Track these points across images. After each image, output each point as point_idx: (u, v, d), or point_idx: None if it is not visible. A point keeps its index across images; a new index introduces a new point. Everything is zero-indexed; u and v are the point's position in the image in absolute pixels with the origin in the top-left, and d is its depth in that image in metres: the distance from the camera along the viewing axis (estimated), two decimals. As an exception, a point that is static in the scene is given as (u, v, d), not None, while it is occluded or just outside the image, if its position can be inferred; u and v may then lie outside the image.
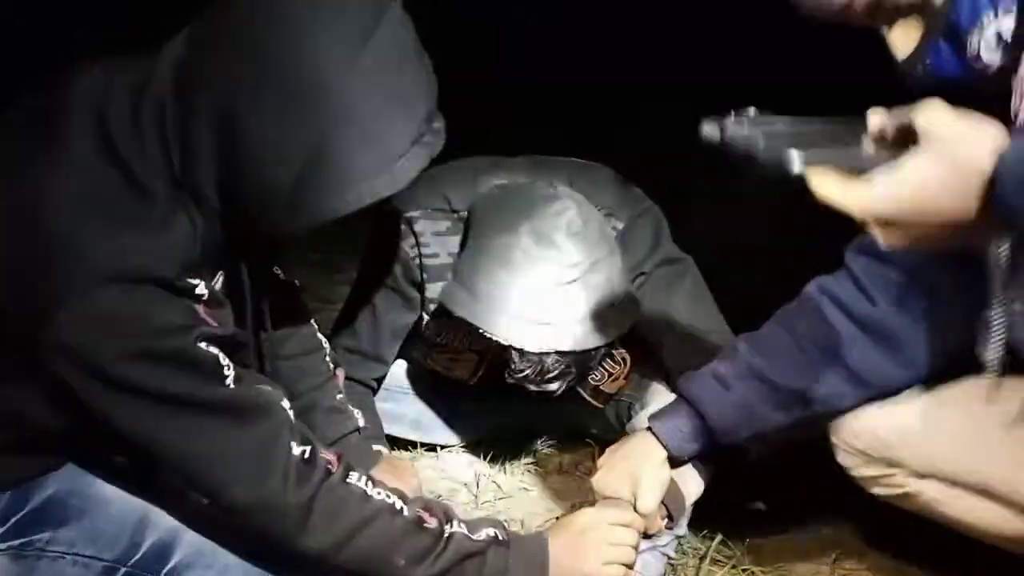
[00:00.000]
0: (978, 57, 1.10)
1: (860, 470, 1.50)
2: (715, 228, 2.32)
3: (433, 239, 1.74)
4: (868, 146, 0.88)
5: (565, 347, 1.60)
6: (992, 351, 1.22)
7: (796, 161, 0.84)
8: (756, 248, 2.42)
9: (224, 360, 1.22)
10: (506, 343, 1.60)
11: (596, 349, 1.65)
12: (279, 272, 1.64)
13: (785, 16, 1.15)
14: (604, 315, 1.62)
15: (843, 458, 1.49)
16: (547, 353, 1.61)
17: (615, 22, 3.82)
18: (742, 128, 0.87)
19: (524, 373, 1.66)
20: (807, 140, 0.87)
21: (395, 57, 1.17)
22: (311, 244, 2.67)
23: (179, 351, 1.18)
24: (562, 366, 1.65)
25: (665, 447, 1.50)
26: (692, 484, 1.56)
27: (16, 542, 1.29)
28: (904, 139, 0.86)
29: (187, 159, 1.17)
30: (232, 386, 1.22)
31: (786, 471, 1.68)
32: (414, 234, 1.75)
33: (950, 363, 1.38)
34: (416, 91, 1.20)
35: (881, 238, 0.90)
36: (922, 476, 1.47)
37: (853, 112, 0.93)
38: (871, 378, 1.42)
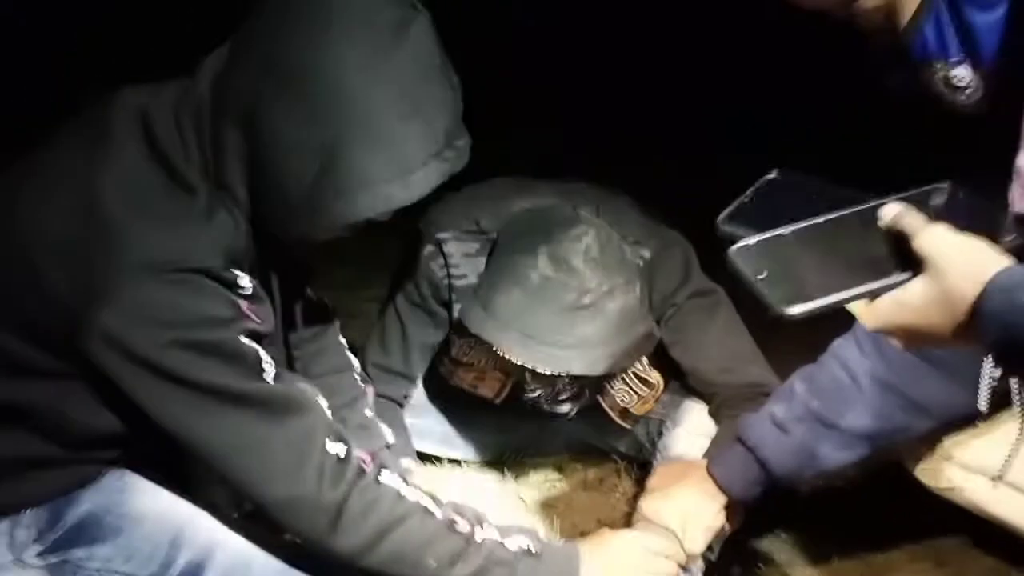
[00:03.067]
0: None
1: (911, 456, 1.51)
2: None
3: (463, 260, 1.75)
4: (878, 245, 0.94)
5: (576, 371, 1.60)
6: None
7: (794, 311, 0.92)
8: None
9: (264, 356, 1.24)
10: (518, 362, 1.61)
11: (609, 376, 1.65)
12: (309, 292, 1.67)
13: (785, 17, 1.16)
14: (618, 342, 1.62)
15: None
16: (559, 376, 1.61)
17: (616, 23, 3.81)
18: (746, 259, 0.93)
19: (537, 394, 1.69)
20: (813, 264, 0.93)
21: (418, 70, 1.18)
22: (341, 259, 2.69)
23: (223, 343, 1.20)
24: (574, 389, 1.66)
25: (727, 493, 1.50)
26: (736, 518, 1.55)
27: (54, 559, 1.32)
28: (904, 244, 0.92)
29: (219, 161, 1.21)
30: (271, 382, 1.24)
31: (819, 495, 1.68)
32: (443, 255, 1.76)
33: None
34: (437, 105, 1.20)
35: (891, 341, 0.99)
36: (971, 472, 1.48)
37: (851, 112, 0.97)
38: (935, 407, 1.40)
